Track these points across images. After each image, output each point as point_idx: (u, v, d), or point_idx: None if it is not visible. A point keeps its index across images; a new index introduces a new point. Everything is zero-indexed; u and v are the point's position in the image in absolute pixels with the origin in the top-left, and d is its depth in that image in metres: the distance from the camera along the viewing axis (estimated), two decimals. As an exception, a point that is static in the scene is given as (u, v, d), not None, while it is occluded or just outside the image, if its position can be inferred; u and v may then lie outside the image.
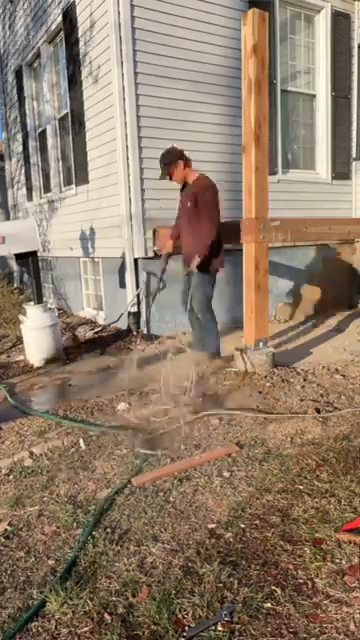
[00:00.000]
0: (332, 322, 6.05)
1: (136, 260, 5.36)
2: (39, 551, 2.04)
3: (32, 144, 8.01)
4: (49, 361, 4.69)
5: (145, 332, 5.51)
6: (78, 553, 1.98)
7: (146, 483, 2.47)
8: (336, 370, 4.20)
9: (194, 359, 3.90)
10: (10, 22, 8.31)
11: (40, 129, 7.81)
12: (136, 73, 5.04)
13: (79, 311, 7.01)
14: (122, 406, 3.51)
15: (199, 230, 4.04)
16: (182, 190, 4.34)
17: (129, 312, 5.46)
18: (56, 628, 1.64)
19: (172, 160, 4.14)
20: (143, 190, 5.25)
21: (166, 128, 5.28)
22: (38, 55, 7.31)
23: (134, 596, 1.75)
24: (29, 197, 8.45)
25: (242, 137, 4.09)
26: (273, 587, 1.76)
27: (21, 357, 4.90)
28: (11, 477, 2.64)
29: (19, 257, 4.73)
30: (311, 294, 6.71)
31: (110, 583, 1.82)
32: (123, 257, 5.40)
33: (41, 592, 1.79)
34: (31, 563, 1.97)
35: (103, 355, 5.02)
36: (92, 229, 6.12)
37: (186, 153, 4.26)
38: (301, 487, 2.40)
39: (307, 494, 2.34)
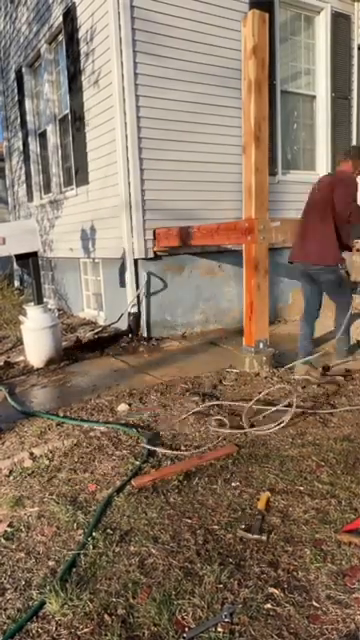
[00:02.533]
0: (332, 323, 6.03)
1: (136, 261, 5.37)
2: (39, 552, 2.03)
3: (32, 144, 8.02)
4: (49, 362, 4.69)
5: (145, 333, 5.51)
6: (77, 554, 1.98)
7: (146, 484, 2.47)
8: (337, 371, 4.19)
9: None
10: (11, 22, 8.32)
11: (40, 130, 7.82)
12: (136, 74, 5.05)
13: (79, 312, 7.01)
14: (122, 407, 3.50)
15: None
16: None
17: (129, 313, 5.47)
18: (56, 629, 1.64)
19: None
20: (143, 191, 5.25)
21: (166, 129, 5.30)
22: (39, 56, 7.32)
23: (134, 597, 1.75)
24: (30, 197, 8.45)
25: (242, 137, 4.09)
26: (273, 588, 1.76)
27: (21, 358, 4.90)
28: (11, 478, 2.64)
29: (19, 258, 4.73)
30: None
31: (110, 584, 1.82)
32: (123, 258, 5.40)
33: (41, 593, 1.79)
34: (31, 564, 1.97)
35: (103, 356, 5.02)
36: (92, 230, 6.12)
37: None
38: (301, 488, 2.40)
39: (307, 495, 2.34)
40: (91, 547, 2.02)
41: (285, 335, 5.54)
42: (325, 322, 6.27)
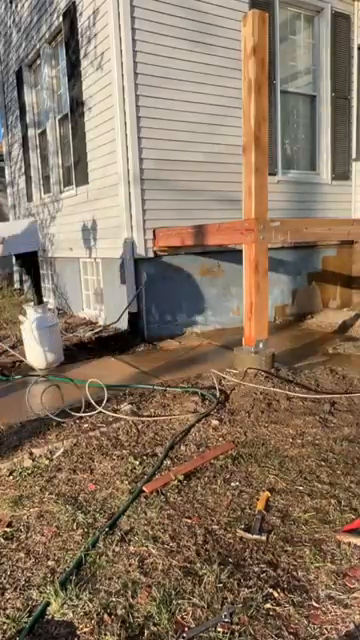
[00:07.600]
0: (333, 323, 6.05)
1: (136, 260, 5.37)
2: (39, 552, 2.03)
3: (32, 144, 8.02)
4: (49, 362, 4.68)
5: (145, 333, 5.51)
6: (85, 554, 1.98)
7: (157, 488, 2.44)
8: (337, 371, 4.20)
9: None
10: (10, 22, 8.31)
11: (40, 130, 7.82)
12: (136, 73, 5.05)
13: (79, 311, 7.01)
14: (125, 407, 3.50)
15: None
16: None
17: (129, 312, 5.46)
18: (56, 628, 1.64)
19: None
20: (143, 190, 5.25)
21: (166, 129, 5.30)
22: (38, 55, 7.31)
23: (134, 597, 1.75)
24: (29, 197, 8.45)
25: (242, 137, 4.09)
26: (273, 588, 1.76)
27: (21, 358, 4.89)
28: (11, 478, 2.64)
29: (19, 257, 4.72)
30: (311, 294, 6.72)
31: (110, 584, 1.82)
32: (123, 258, 5.40)
33: (41, 593, 1.79)
34: (31, 564, 1.97)
35: (103, 356, 5.02)
36: (92, 229, 6.12)
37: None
38: (301, 488, 2.40)
39: (307, 495, 2.34)
40: (90, 547, 2.02)
41: (284, 336, 5.53)
42: (328, 322, 6.28)
